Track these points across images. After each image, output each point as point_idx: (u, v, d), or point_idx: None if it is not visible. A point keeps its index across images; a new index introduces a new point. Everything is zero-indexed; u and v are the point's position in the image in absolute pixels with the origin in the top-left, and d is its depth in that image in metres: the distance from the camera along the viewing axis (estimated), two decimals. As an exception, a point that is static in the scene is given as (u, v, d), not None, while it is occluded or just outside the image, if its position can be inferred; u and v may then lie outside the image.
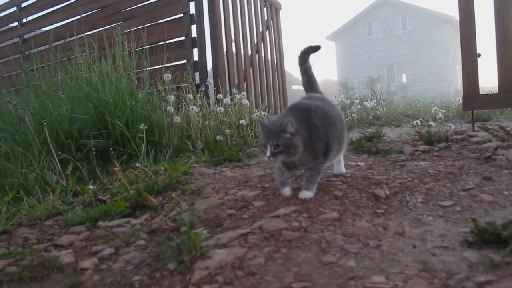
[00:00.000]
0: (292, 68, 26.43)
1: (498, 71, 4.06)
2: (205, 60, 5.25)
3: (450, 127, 3.82)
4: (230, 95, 4.74)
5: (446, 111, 5.24)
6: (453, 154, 3.06)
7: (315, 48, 2.55)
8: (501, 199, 1.94)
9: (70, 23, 5.97)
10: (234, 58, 5.76)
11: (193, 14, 5.20)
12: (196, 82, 5.00)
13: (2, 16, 7.62)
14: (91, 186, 2.53)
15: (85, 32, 5.18)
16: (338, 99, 9.92)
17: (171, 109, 3.66)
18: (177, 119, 3.58)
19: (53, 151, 2.89)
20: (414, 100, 14.80)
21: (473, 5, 4.17)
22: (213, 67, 5.41)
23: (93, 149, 3.07)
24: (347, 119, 6.96)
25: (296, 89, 18.21)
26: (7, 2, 7.38)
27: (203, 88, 4.62)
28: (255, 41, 6.40)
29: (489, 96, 4.35)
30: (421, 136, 3.68)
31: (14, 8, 7.32)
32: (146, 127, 3.22)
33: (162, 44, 4.80)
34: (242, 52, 5.96)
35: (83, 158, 3.20)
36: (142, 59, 4.03)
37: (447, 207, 1.89)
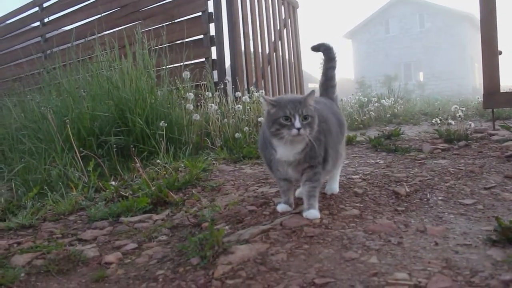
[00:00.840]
0: (308, 66, 26.28)
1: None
2: (223, 58, 5.28)
3: (470, 125, 3.77)
4: (248, 93, 4.75)
5: (465, 109, 5.17)
6: (473, 152, 3.02)
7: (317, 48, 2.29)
8: (524, 198, 1.92)
9: (91, 22, 6.07)
10: (252, 56, 5.77)
11: (211, 12, 5.23)
12: (215, 80, 5.03)
13: (24, 16, 7.76)
14: (113, 182, 2.57)
15: (106, 31, 5.26)
16: (355, 97, 9.85)
17: (190, 106, 3.69)
18: (196, 116, 3.61)
19: (75, 147, 2.94)
20: (431, 98, 14.62)
21: (495, 3, 4.13)
22: (231, 65, 5.44)
23: (114, 146, 3.12)
24: (364, 117, 6.92)
25: (312, 87, 18.16)
26: (29, 3, 7.51)
27: (222, 86, 4.64)
28: (273, 39, 6.41)
29: (510, 95, 4.29)
30: (441, 134, 3.65)
31: (36, 9, 7.44)
32: (166, 124, 3.25)
33: (181, 43, 4.85)
34: (260, 50, 5.97)
35: (104, 154, 3.25)
36: (161, 57, 4.07)
37: (469, 205, 1.87)
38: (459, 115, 3.85)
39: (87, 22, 6.28)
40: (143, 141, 3.42)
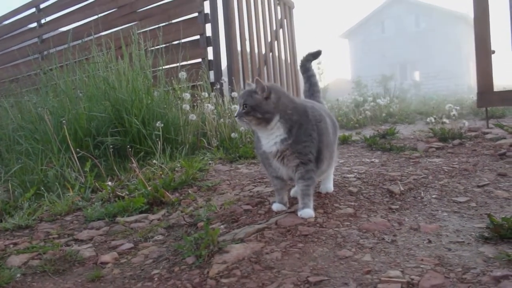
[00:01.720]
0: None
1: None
2: (219, 59, 5.28)
3: (464, 124, 3.80)
4: (245, 93, 4.75)
5: (459, 108, 5.20)
6: (467, 151, 3.05)
7: (316, 54, 2.34)
8: (517, 196, 1.94)
9: (88, 23, 6.07)
10: (248, 57, 5.78)
11: (207, 13, 5.23)
12: (211, 81, 5.03)
13: (21, 18, 7.74)
14: (109, 183, 2.57)
15: (102, 32, 5.25)
16: (351, 97, 9.88)
17: (186, 107, 3.69)
18: (193, 117, 3.62)
19: (71, 148, 2.95)
20: (427, 97, 14.66)
21: (488, 3, 4.15)
22: (227, 65, 5.45)
23: (111, 146, 3.12)
24: (360, 117, 6.94)
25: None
26: (26, 4, 7.49)
27: (218, 87, 4.65)
28: (269, 39, 6.42)
29: (503, 93, 4.32)
30: (435, 133, 3.67)
31: (33, 9, 7.43)
32: (162, 124, 3.26)
33: (177, 43, 4.84)
34: (256, 50, 5.98)
35: (101, 155, 3.26)
36: (158, 58, 4.07)
37: (462, 203, 1.90)
38: (453, 114, 3.87)
39: (84, 23, 6.27)
40: (140, 142, 3.43)
